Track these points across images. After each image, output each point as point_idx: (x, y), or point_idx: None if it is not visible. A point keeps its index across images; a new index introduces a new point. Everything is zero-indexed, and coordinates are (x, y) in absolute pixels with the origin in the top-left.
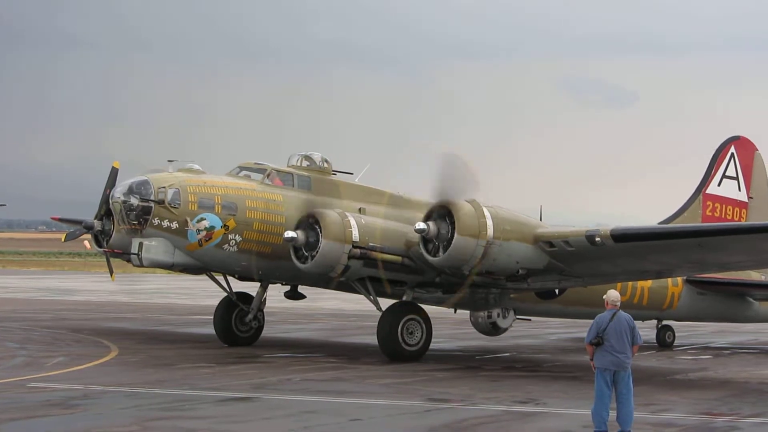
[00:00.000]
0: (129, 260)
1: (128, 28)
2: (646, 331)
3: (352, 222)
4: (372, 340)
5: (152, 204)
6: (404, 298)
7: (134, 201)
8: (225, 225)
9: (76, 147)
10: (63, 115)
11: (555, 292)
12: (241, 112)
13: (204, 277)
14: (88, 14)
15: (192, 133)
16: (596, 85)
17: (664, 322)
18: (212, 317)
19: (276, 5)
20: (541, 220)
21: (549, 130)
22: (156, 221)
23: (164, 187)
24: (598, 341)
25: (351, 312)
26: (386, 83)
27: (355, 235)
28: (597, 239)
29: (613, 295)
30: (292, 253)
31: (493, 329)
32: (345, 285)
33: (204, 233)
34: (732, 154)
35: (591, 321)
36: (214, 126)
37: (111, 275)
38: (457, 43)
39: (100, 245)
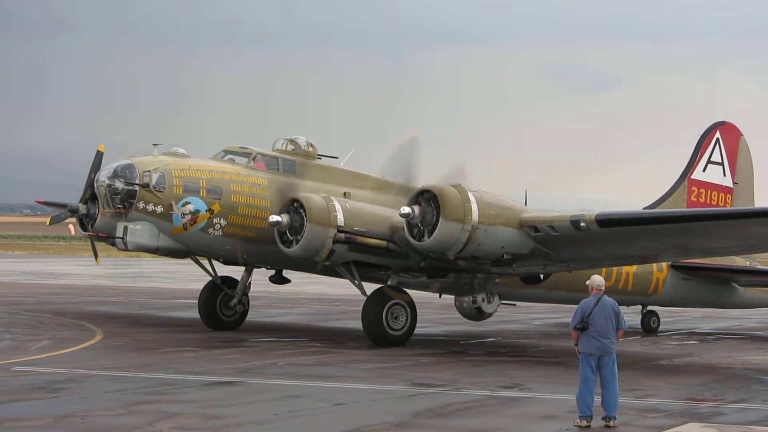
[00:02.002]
0: (114, 244)
1: (115, 11)
2: (631, 316)
3: (337, 206)
4: (357, 324)
5: (137, 188)
6: (389, 283)
7: (119, 185)
8: (210, 209)
9: (62, 130)
10: (50, 99)
11: (540, 277)
12: (226, 95)
13: (189, 261)
14: None
15: (178, 116)
16: (580, 70)
17: (649, 308)
18: (197, 301)
19: None
20: (526, 205)
21: (533, 116)
22: (141, 205)
23: (149, 171)
24: (582, 326)
25: (336, 297)
26: (372, 67)
27: (340, 219)
28: (582, 224)
29: (597, 280)
30: (277, 237)
31: (478, 314)
32: (330, 269)
33: (189, 217)
34: (717, 139)
35: (576, 306)
36: (200, 110)
37: (96, 259)
38: (442, 28)
39: (84, 229)
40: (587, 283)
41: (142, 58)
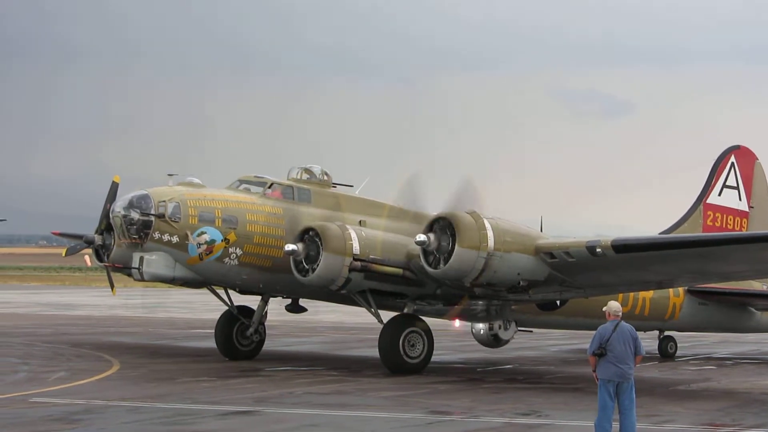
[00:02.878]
0: (130, 274)
1: (126, 37)
2: (648, 341)
3: (353, 234)
4: (373, 352)
5: (152, 218)
6: (405, 311)
7: (134, 215)
8: (225, 238)
9: (75, 161)
10: (62, 128)
11: (556, 304)
12: (239, 124)
13: (205, 290)
14: (84, 22)
15: (191, 146)
16: (590, 95)
17: (666, 333)
18: (213, 331)
19: (272, 11)
20: (541, 231)
21: (545, 141)
22: (156, 235)
23: (164, 201)
24: (601, 352)
25: (352, 325)
26: (383, 93)
27: (356, 247)
28: (598, 250)
29: (614, 306)
30: (292, 266)
31: (495, 341)
32: (346, 298)
33: (204, 247)
34: (732, 163)
35: (593, 332)
36: (213, 139)
37: (112, 289)
38: (452, 54)
39: (100, 260)
40: (604, 309)
41: (154, 85)
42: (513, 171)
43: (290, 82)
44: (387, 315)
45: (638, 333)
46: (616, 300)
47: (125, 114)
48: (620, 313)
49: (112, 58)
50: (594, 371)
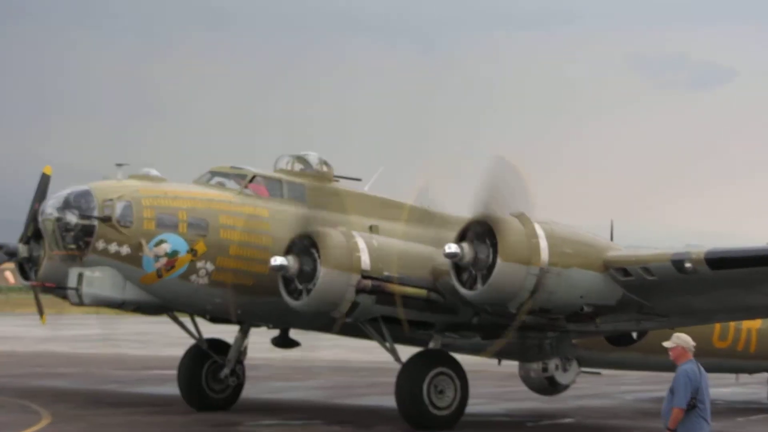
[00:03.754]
0: (65, 296)
1: None
2: (756, 388)
3: (361, 244)
4: (389, 401)
5: (95, 222)
6: (431, 346)
7: (71, 218)
8: (192, 249)
9: None
10: None
11: (632, 337)
12: (215, 101)
13: (164, 318)
14: None
15: (147, 128)
16: (678, 61)
17: None
18: (176, 372)
19: None
20: (611, 239)
21: (617, 122)
22: (100, 245)
23: (111, 200)
24: (693, 404)
25: (360, 364)
26: (402, 61)
27: (365, 261)
28: (687, 265)
29: (687, 339)
30: (281, 285)
31: (551, 386)
32: (352, 328)
33: (164, 260)
34: None
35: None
36: (177, 119)
37: (41, 317)
38: (493, 9)
39: (26, 277)
40: (669, 344)
41: (98, 52)
42: (575, 162)
43: (279, 46)
44: (406, 351)
45: (742, 376)
46: (712, 332)
47: (61, 88)
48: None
49: (46, 18)
50: (671, 429)
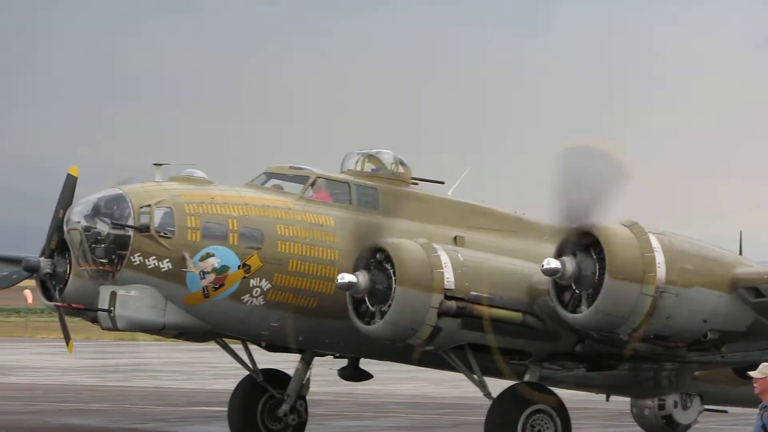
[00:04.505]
0: (95, 320)
1: None
2: None
3: (444, 258)
4: None
5: (130, 232)
6: (527, 378)
7: (103, 227)
8: (244, 264)
9: (15, 143)
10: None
11: None
12: (270, 94)
13: (212, 345)
14: None
15: (192, 123)
16: None
17: None
18: (226, 409)
19: None
20: (740, 253)
21: (747, 107)
22: (137, 259)
23: (149, 206)
24: None
25: (442, 400)
26: (493, 39)
27: (449, 278)
28: None
29: None
30: (350, 307)
31: (668, 426)
32: (433, 357)
33: (212, 277)
34: None
35: None
36: (225, 112)
37: (68, 344)
38: None
39: (49, 297)
40: (756, 374)
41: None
42: (700, 163)
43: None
44: (498, 385)
45: None
46: None
47: (114, 72)
48: None
49: None
50: None
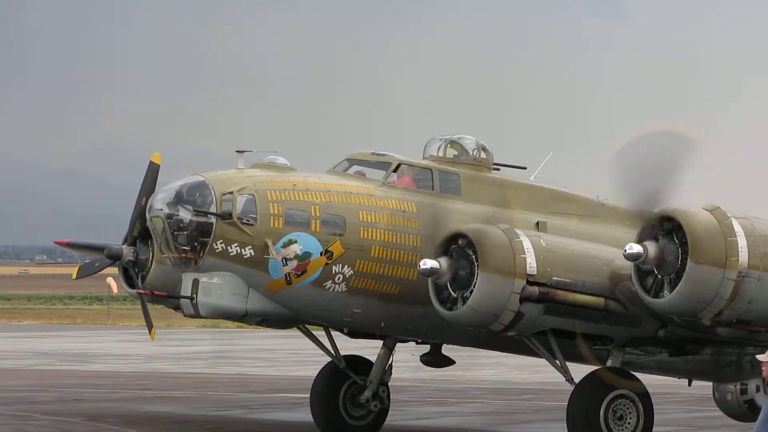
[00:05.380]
0: (178, 307)
1: None
2: None
3: (527, 244)
4: (559, 429)
5: (213, 219)
6: (609, 363)
7: (185, 215)
8: (327, 251)
9: (95, 130)
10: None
11: None
12: (348, 80)
13: (294, 332)
14: None
15: (272, 108)
16: None
17: None
18: (308, 395)
19: None
20: None
21: None
22: (219, 246)
23: (231, 193)
24: None
25: (525, 385)
26: (583, 22)
27: (531, 264)
28: None
29: None
30: (432, 293)
31: (751, 411)
32: (516, 343)
33: (294, 264)
34: None
35: None
36: (309, 98)
37: (150, 331)
38: None
39: (132, 285)
40: (764, 357)
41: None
42: None
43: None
44: (580, 370)
45: None
46: None
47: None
48: None
49: None
50: None
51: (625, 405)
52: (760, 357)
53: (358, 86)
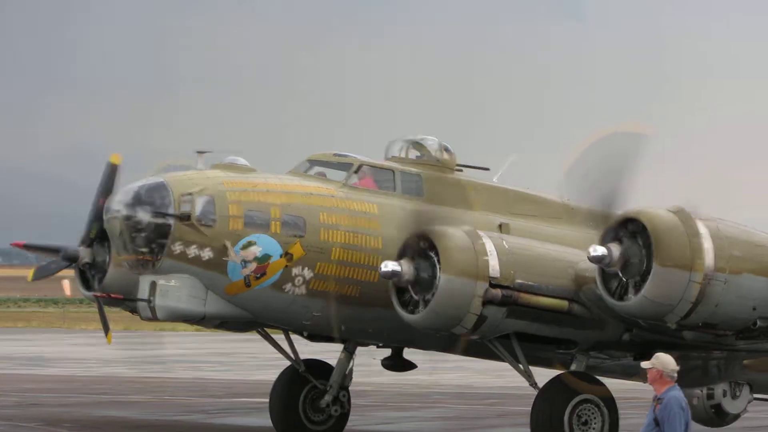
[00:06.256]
0: (135, 310)
1: None
2: None
3: (489, 246)
4: None
5: (171, 220)
6: (573, 368)
7: (143, 216)
8: (287, 253)
9: (57, 131)
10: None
11: None
12: (311, 79)
13: (253, 335)
14: None
15: (233, 109)
16: None
17: None
18: (267, 400)
19: None
20: None
21: None
22: (177, 248)
23: (190, 194)
24: None
25: (488, 390)
26: (540, 31)
27: (494, 266)
28: None
29: (669, 361)
30: (393, 296)
31: (717, 416)
32: (479, 347)
33: (253, 266)
34: None
35: None
36: (269, 98)
37: (107, 334)
38: None
39: (88, 287)
40: (647, 364)
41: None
42: (749, 146)
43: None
44: (544, 374)
45: None
46: None
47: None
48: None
49: None
50: None
51: (589, 410)
52: (644, 364)
53: (321, 87)
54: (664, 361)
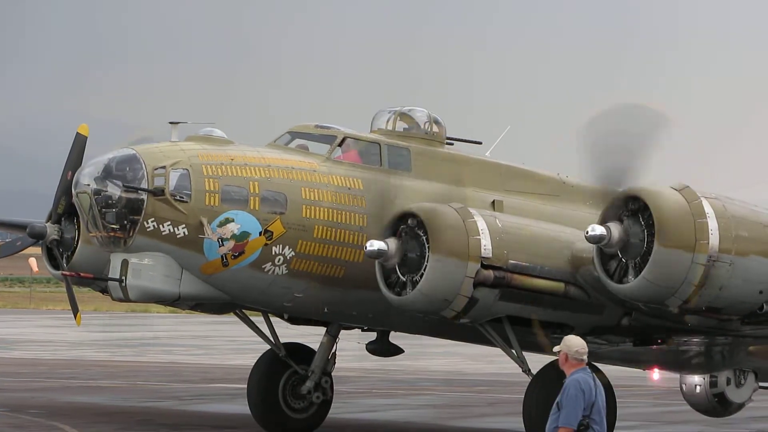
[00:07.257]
0: (106, 290)
1: None
2: None
3: (481, 225)
4: (515, 423)
5: (144, 195)
6: None
7: (114, 191)
8: (266, 231)
9: (21, 100)
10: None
11: None
12: (292, 44)
13: (231, 317)
14: None
15: (210, 78)
16: None
17: None
18: (245, 386)
19: None
20: None
21: None
22: (150, 225)
23: (164, 167)
24: (587, 424)
25: (478, 377)
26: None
27: (486, 246)
28: None
29: (576, 342)
30: (379, 277)
31: (720, 405)
32: (469, 331)
33: (231, 244)
34: None
35: None
36: (248, 66)
37: (75, 316)
38: None
39: (56, 265)
40: (556, 348)
41: None
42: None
43: None
44: (537, 360)
45: None
46: None
47: (102, 29)
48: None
49: None
50: None
51: None
52: (555, 348)
53: (306, 55)
54: (569, 343)
